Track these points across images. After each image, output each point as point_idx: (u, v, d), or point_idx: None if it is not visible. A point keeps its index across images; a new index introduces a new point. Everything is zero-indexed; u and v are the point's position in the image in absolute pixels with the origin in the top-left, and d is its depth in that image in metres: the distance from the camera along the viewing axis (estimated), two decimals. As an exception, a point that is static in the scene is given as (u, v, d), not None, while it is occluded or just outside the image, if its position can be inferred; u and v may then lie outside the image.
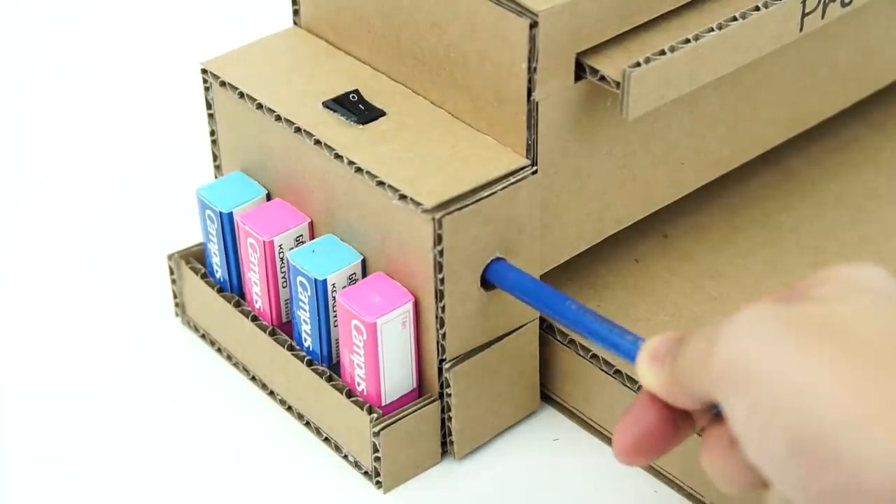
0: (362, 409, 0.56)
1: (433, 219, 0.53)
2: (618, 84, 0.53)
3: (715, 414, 0.46)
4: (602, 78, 0.54)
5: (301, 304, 0.58)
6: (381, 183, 0.54)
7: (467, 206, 0.53)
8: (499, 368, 0.58)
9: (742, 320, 0.42)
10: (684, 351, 0.44)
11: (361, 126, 0.57)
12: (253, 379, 0.62)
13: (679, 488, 0.57)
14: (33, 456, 0.59)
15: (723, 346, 0.42)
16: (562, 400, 0.61)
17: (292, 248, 0.59)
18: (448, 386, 0.56)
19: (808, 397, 0.39)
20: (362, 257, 0.57)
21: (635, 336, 0.49)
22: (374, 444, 0.56)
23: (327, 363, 0.59)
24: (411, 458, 0.58)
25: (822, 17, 0.58)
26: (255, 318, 0.61)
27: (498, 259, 0.55)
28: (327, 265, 0.57)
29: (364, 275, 0.57)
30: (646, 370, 0.46)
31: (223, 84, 0.60)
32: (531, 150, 0.55)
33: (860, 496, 0.38)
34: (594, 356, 0.58)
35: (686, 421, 0.47)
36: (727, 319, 0.43)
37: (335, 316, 0.57)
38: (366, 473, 0.58)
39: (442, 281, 0.54)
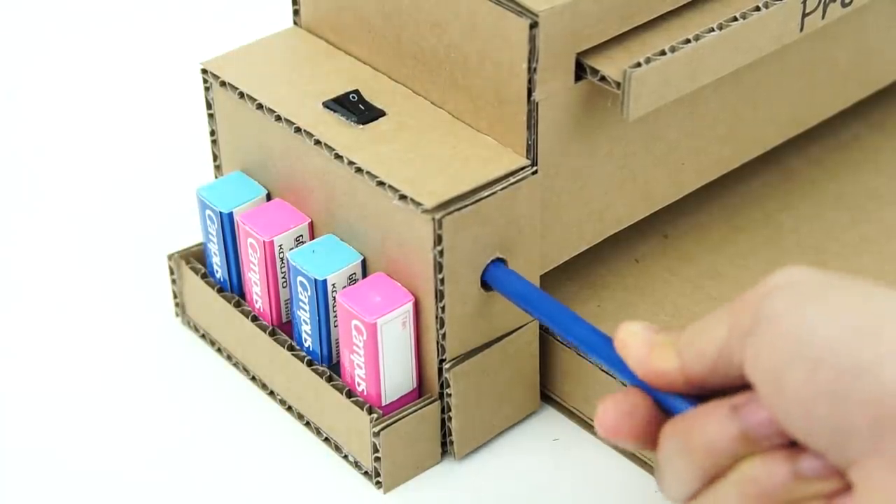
0: (362, 409, 0.56)
1: (433, 219, 0.53)
2: (618, 84, 0.53)
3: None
4: (602, 78, 0.54)
5: (301, 304, 0.58)
6: (381, 183, 0.54)
7: (467, 206, 0.53)
8: (499, 368, 0.58)
9: (781, 270, 0.44)
10: (694, 323, 0.45)
11: (361, 126, 0.57)
12: (253, 379, 0.62)
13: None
14: (33, 456, 0.59)
15: (769, 278, 0.43)
16: (562, 400, 0.61)
17: (292, 248, 0.59)
18: (448, 386, 0.56)
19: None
20: (362, 257, 0.57)
21: None
22: (374, 444, 0.56)
23: (327, 363, 0.59)
24: (411, 458, 0.58)
25: (823, 17, 0.58)
26: (255, 318, 0.61)
27: (496, 261, 0.55)
28: (327, 265, 0.57)
29: (364, 275, 0.57)
30: (642, 330, 0.46)
31: (223, 84, 0.60)
32: (531, 150, 0.55)
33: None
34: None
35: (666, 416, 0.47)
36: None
37: (335, 316, 0.57)
38: (366, 473, 0.58)
39: (442, 281, 0.54)
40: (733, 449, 0.43)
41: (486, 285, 0.55)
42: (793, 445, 0.43)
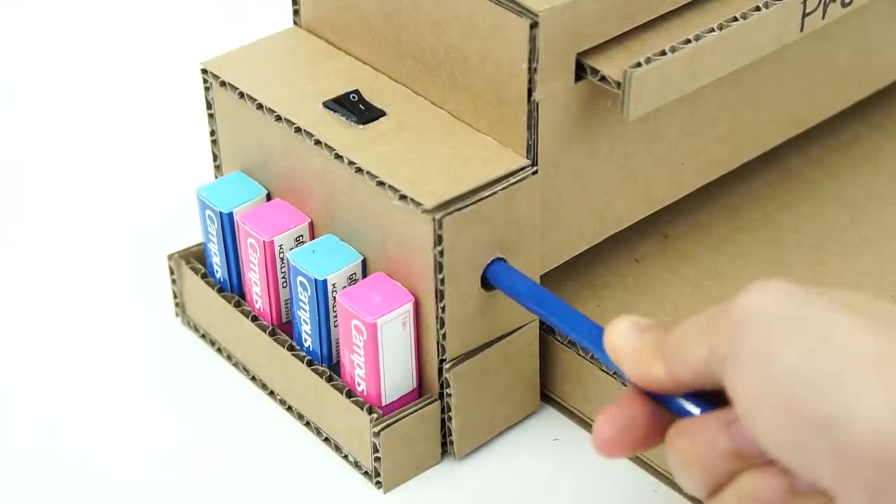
0: (362, 409, 0.56)
1: (433, 219, 0.53)
2: (618, 84, 0.53)
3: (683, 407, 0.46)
4: (603, 78, 0.54)
5: (301, 304, 0.58)
6: (381, 183, 0.54)
7: (467, 206, 0.53)
8: (499, 368, 0.58)
9: (755, 287, 0.43)
10: (681, 322, 0.45)
11: (361, 126, 0.57)
12: (253, 379, 0.62)
13: (679, 488, 0.57)
14: (33, 456, 0.59)
15: (742, 298, 0.43)
16: (562, 400, 0.61)
17: (292, 248, 0.59)
18: (448, 386, 0.56)
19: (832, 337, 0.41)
20: (362, 257, 0.57)
21: None
22: (374, 444, 0.56)
23: (327, 363, 0.59)
24: (411, 458, 0.58)
25: (823, 17, 0.58)
26: (255, 318, 0.61)
27: (497, 260, 0.55)
28: (327, 265, 0.57)
29: (364, 275, 0.57)
30: (630, 335, 0.46)
31: (223, 84, 0.60)
32: (531, 150, 0.55)
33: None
34: (594, 356, 0.58)
35: (667, 417, 0.47)
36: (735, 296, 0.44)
37: (335, 316, 0.57)
38: (366, 473, 0.58)
39: (442, 281, 0.54)
40: (728, 464, 0.44)
41: (486, 284, 0.55)
42: None
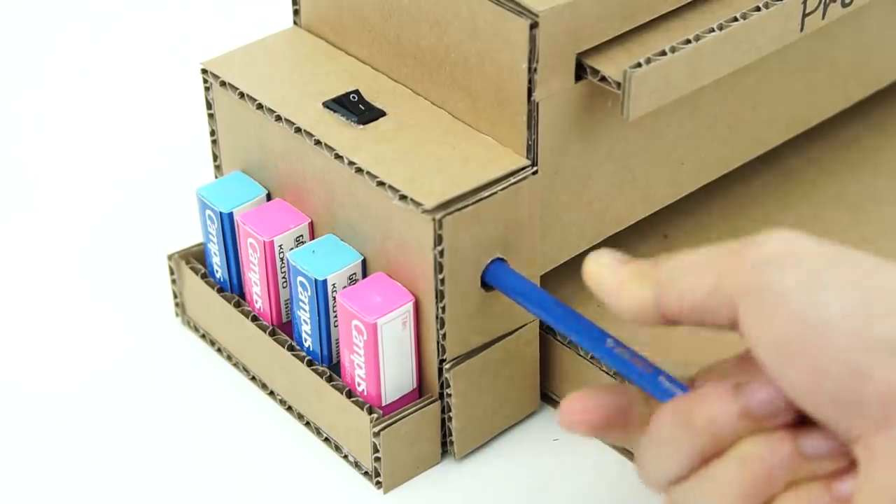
0: (362, 409, 0.56)
1: (433, 219, 0.53)
2: (618, 84, 0.53)
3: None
4: (603, 78, 0.54)
5: (301, 304, 0.58)
6: (381, 183, 0.54)
7: (467, 206, 0.53)
8: (499, 368, 0.58)
9: (774, 231, 0.43)
10: (673, 256, 0.45)
11: (361, 126, 0.57)
12: (253, 379, 0.62)
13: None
14: (33, 456, 0.59)
15: (763, 239, 0.43)
16: (561, 400, 0.60)
17: (292, 249, 0.59)
18: (448, 386, 0.56)
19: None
20: (362, 257, 0.57)
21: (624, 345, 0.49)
22: (374, 445, 0.56)
23: (327, 363, 0.59)
24: (411, 458, 0.58)
25: (823, 17, 0.58)
26: (255, 319, 0.61)
27: (497, 260, 0.55)
28: (327, 265, 0.57)
29: (364, 275, 0.57)
30: (613, 264, 0.46)
31: (223, 84, 0.60)
32: (531, 150, 0.55)
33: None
34: (594, 356, 0.58)
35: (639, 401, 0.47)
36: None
37: (335, 316, 0.57)
38: (366, 473, 0.58)
39: (442, 281, 0.54)
40: (735, 427, 0.43)
41: (486, 285, 0.55)
42: (796, 426, 0.43)
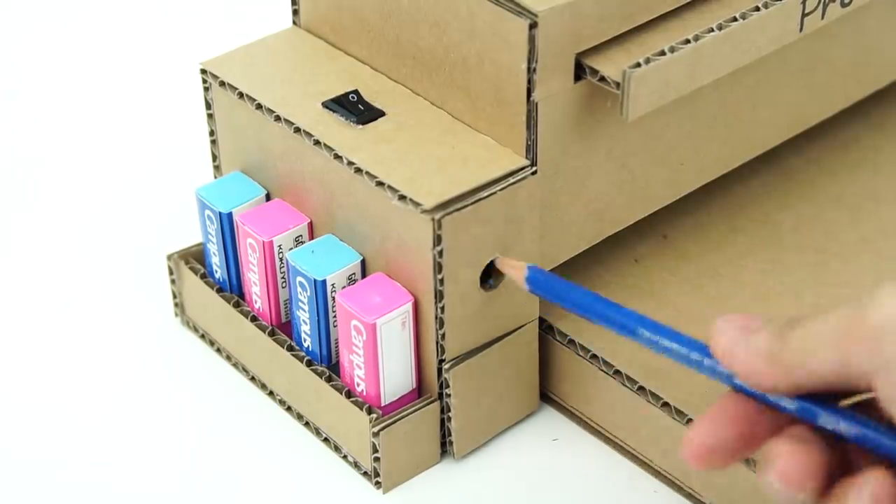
0: (362, 409, 0.56)
1: (433, 219, 0.53)
2: (618, 84, 0.53)
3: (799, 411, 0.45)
4: (602, 78, 0.54)
5: (300, 304, 0.58)
6: (380, 183, 0.54)
7: (467, 206, 0.53)
8: (498, 368, 0.58)
9: (890, 292, 0.42)
10: (797, 326, 0.44)
11: (361, 126, 0.57)
12: (252, 379, 0.62)
13: (679, 488, 0.57)
14: (33, 456, 0.59)
15: (881, 303, 0.42)
16: (561, 400, 0.61)
17: (292, 249, 0.59)
18: (448, 386, 0.56)
19: None
20: (362, 257, 0.57)
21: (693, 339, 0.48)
22: (374, 445, 0.56)
23: (327, 363, 0.59)
24: (411, 458, 0.58)
25: (823, 17, 0.58)
26: (254, 319, 0.61)
27: (533, 267, 0.54)
28: (327, 265, 0.57)
29: (364, 275, 0.57)
30: (741, 340, 0.45)
31: (223, 84, 0.60)
32: (531, 150, 0.55)
33: None
34: (594, 356, 0.58)
35: (764, 426, 0.46)
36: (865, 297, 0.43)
37: (335, 316, 0.57)
38: (365, 473, 0.58)
39: (441, 281, 0.54)
40: None
41: (486, 285, 0.55)
42: None
